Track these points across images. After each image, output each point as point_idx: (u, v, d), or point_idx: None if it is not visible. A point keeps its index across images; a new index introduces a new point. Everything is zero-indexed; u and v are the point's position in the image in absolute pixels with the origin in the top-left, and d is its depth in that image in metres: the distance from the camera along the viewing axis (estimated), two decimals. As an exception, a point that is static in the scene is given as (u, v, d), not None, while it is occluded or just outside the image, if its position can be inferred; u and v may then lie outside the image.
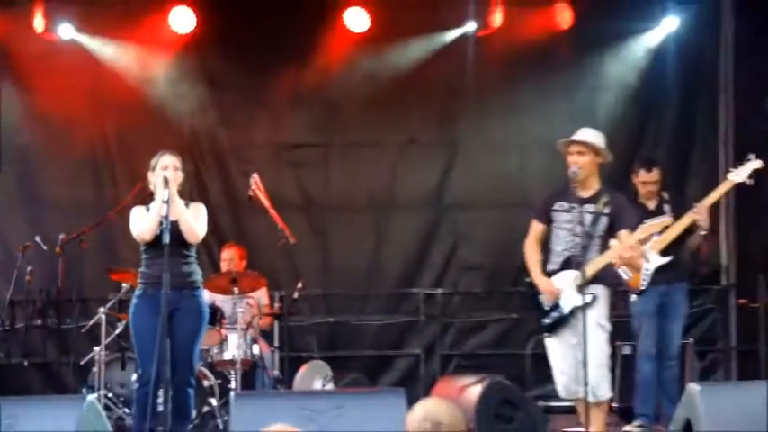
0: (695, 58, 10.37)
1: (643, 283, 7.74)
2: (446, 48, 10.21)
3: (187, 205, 6.78)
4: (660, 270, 7.70)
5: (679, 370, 8.01)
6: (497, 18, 9.89)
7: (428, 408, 3.84)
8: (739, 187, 7.85)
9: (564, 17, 9.92)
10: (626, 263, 6.81)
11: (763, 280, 9.53)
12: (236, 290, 8.44)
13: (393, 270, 10.42)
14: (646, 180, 7.82)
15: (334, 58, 10.15)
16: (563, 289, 6.75)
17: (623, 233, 6.65)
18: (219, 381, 8.36)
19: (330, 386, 8.72)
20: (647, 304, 7.80)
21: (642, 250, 6.90)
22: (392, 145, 10.42)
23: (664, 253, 7.64)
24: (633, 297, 7.87)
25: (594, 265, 6.62)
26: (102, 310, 8.74)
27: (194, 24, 9.90)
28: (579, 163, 6.69)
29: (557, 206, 6.85)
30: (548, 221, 6.89)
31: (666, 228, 7.21)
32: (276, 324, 9.14)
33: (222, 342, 8.35)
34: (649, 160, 8.04)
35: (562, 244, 6.81)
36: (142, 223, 6.66)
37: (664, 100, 10.39)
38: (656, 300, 7.79)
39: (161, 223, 6.48)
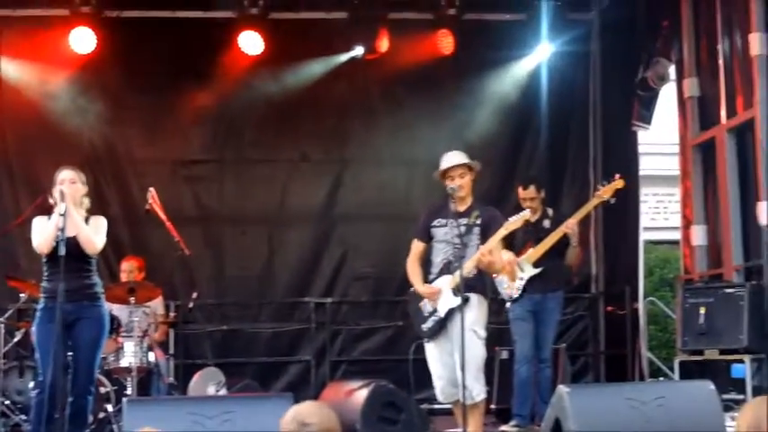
0: (567, 82, 10.57)
1: (517, 291, 7.85)
2: (336, 70, 10.27)
3: (88, 219, 6.71)
4: (534, 279, 7.81)
5: (552, 373, 8.09)
6: (384, 43, 9.90)
7: (298, 409, 3.79)
8: (607, 204, 8.05)
9: (446, 43, 9.97)
10: (486, 268, 6.76)
11: (629, 289, 10.13)
12: (132, 299, 8.31)
13: (285, 280, 10.40)
14: (523, 197, 7.91)
15: (231, 78, 10.11)
16: (441, 292, 6.78)
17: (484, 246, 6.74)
18: (116, 387, 8.21)
19: (223, 392, 8.65)
20: (521, 311, 7.89)
21: (500, 256, 6.95)
22: (285, 161, 10.42)
23: (536, 264, 7.78)
24: (508, 304, 7.96)
25: (466, 268, 6.65)
26: (0, 319, 8.55)
27: (94, 44, 9.74)
28: (461, 184, 6.79)
29: (435, 222, 6.91)
30: (428, 239, 6.96)
31: (527, 222, 7.10)
32: (171, 332, 9.09)
33: (118, 350, 8.21)
34: (528, 178, 8.20)
35: (441, 255, 6.87)
36: (40, 235, 6.57)
37: (538, 121, 10.54)
38: (531, 307, 7.87)
39: (57, 236, 6.40)
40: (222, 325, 10.15)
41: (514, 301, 7.89)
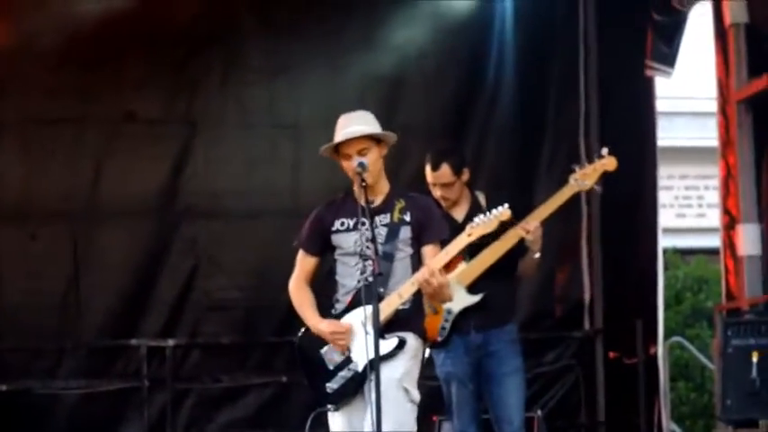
0: (542, 12, 9.98)
1: (443, 332, 7.17)
2: None
3: None
4: (468, 313, 7.15)
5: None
6: None
7: None
8: (607, 200, 8.35)
9: None
10: (433, 296, 6.15)
11: (642, 324, 9.49)
12: None
13: (99, 311, 9.51)
14: (433, 181, 7.28)
15: None
16: (355, 334, 6.12)
17: (429, 250, 6.11)
18: None
19: None
20: (455, 363, 7.23)
21: (447, 280, 6.27)
22: (98, 122, 9.54)
23: (473, 287, 7.08)
24: (428, 351, 6.88)
25: (399, 295, 6.00)
26: None
27: None
28: (371, 161, 6.13)
29: (336, 226, 6.27)
30: (321, 251, 6.33)
31: (504, 224, 6.47)
32: None
33: None
34: (437, 153, 7.45)
35: (355, 275, 6.20)
36: None
37: (496, 66, 9.96)
38: (468, 356, 7.22)
39: None
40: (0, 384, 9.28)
41: (439, 345, 7.20)
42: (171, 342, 9.50)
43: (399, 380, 5.97)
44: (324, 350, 6.19)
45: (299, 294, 6.36)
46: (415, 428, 6.04)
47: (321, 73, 9.72)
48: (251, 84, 9.71)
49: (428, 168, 7.29)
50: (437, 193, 7.23)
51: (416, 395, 6.05)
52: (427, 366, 6.46)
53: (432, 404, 7.43)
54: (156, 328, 9.51)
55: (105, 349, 9.53)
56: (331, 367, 6.17)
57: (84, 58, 9.37)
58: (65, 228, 9.48)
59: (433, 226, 6.24)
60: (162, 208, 9.66)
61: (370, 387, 5.87)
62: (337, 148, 6.20)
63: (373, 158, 6.12)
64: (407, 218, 6.17)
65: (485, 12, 9.95)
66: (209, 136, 9.69)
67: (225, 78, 9.69)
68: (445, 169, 7.19)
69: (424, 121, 9.67)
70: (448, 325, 7.17)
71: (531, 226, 7.05)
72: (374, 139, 6.16)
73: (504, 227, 6.85)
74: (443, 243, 6.27)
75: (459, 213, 7.25)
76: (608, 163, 7.18)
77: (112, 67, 9.47)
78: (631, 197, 9.05)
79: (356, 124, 6.20)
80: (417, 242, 6.18)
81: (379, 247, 6.04)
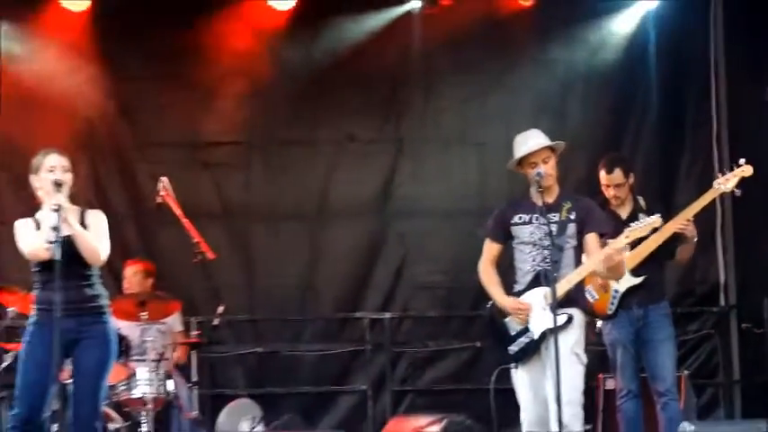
0: (679, 41, 10.58)
1: (611, 306, 7.88)
2: (388, 28, 10.40)
3: (84, 213, 6.77)
4: (632, 291, 7.83)
5: (678, 407, 8.02)
6: None
7: None
8: (738, 199, 8.11)
9: None
10: (611, 269, 6.82)
11: None
12: (144, 315, 8.41)
13: (331, 290, 10.55)
14: (606, 183, 7.97)
15: (256, 40, 10.31)
16: (532, 309, 6.83)
17: (591, 238, 6.81)
18: (128, 423, 8.33)
19: (259, 429, 8.79)
20: (620, 332, 7.91)
21: (623, 258, 7.00)
22: (326, 142, 10.56)
23: (636, 271, 7.77)
24: (599, 324, 8.02)
25: (568, 281, 6.75)
26: None
27: (87, 4, 9.98)
28: (548, 170, 6.83)
29: (515, 219, 6.97)
30: (504, 239, 7.05)
31: (656, 230, 7.27)
32: (194, 356, 9.11)
33: (130, 377, 8.33)
34: (612, 159, 8.14)
35: (528, 261, 6.91)
36: (30, 238, 6.61)
37: (644, 92, 10.59)
38: (631, 326, 7.90)
39: (51, 236, 6.39)
40: (256, 347, 10.30)
41: (607, 318, 7.93)
42: (388, 315, 10.36)
43: (571, 347, 6.63)
44: (507, 320, 6.88)
45: (487, 274, 7.05)
46: (583, 384, 6.73)
47: (501, 98, 10.36)
48: (445, 110, 10.50)
49: (603, 172, 7.94)
50: (610, 192, 7.91)
51: (584, 358, 6.74)
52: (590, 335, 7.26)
53: (598, 365, 8.39)
54: (376, 303, 10.44)
55: (337, 320, 10.47)
56: (512, 333, 6.87)
57: (314, 92, 10.33)
58: (302, 225, 10.43)
59: (594, 221, 6.85)
60: (377, 209, 10.52)
61: (548, 351, 6.55)
62: (521, 159, 6.87)
63: (551, 165, 6.83)
64: (573, 216, 6.80)
65: (634, 48, 10.46)
66: (413, 152, 10.52)
67: (425, 106, 10.47)
68: (618, 172, 7.89)
69: (587, 136, 10.13)
70: (616, 302, 7.80)
71: (682, 220, 7.65)
72: (551, 148, 6.86)
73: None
74: (603, 236, 6.85)
75: (623, 212, 7.88)
76: (746, 170, 7.59)
77: (337, 99, 10.36)
78: (759, 196, 8.84)
79: (534, 139, 6.86)
80: (580, 236, 6.82)
81: (553, 240, 6.66)
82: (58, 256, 6.32)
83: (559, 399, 6.32)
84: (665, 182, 10.39)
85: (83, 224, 6.71)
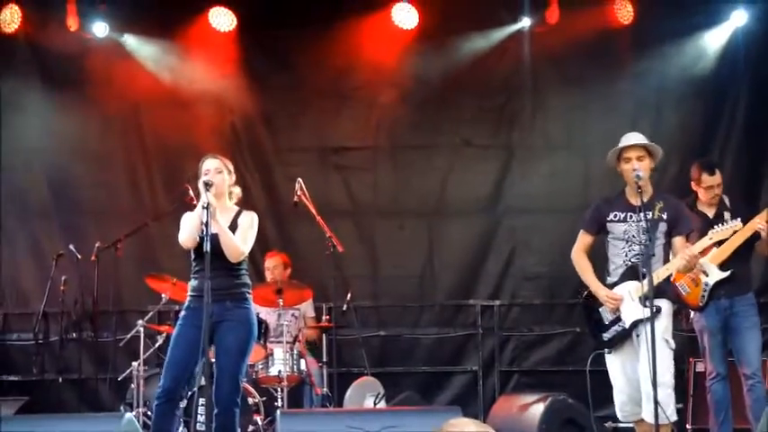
0: (767, 54, 10.33)
1: (702, 298, 7.74)
2: (500, 45, 10.37)
3: (239, 213, 6.81)
4: (720, 284, 7.67)
5: (763, 389, 7.77)
6: (554, 13, 9.97)
7: (452, 422, 4.01)
8: None
9: (624, 12, 10.02)
10: (689, 268, 6.74)
11: None
12: (281, 301, 8.56)
13: (447, 280, 10.50)
14: (711, 184, 7.79)
15: (382, 56, 10.29)
16: (624, 300, 6.75)
17: (678, 240, 6.72)
18: (265, 398, 8.36)
19: (382, 404, 8.70)
20: (708, 321, 7.77)
21: (699, 262, 6.94)
22: (444, 147, 10.54)
23: (723, 266, 7.62)
24: (692, 314, 7.90)
25: (657, 275, 6.61)
26: (140, 322, 8.87)
27: (234, 23, 10.08)
28: (642, 169, 6.73)
29: (611, 216, 6.90)
30: (597, 232, 7.01)
31: (735, 233, 7.12)
32: (324, 338, 9.29)
33: (267, 357, 8.45)
34: (711, 163, 8.03)
35: (621, 255, 6.84)
36: (183, 229, 6.64)
37: (733, 101, 10.41)
38: (719, 315, 7.73)
39: (202, 231, 6.46)
40: (379, 330, 10.36)
41: (698, 309, 7.79)
42: (497, 302, 10.35)
43: (661, 333, 6.51)
44: (601, 309, 6.86)
45: (580, 261, 7.05)
46: (673, 367, 6.63)
47: (602, 108, 10.23)
48: (552, 119, 10.44)
49: (705, 175, 7.75)
50: (714, 192, 7.74)
51: (673, 344, 6.65)
52: (682, 323, 7.35)
53: (689, 350, 8.52)
54: (486, 292, 10.39)
55: (451, 307, 10.41)
56: (606, 322, 6.84)
57: (434, 102, 10.35)
58: (422, 221, 10.43)
59: (682, 224, 6.77)
60: (489, 208, 10.45)
61: (639, 338, 6.50)
62: (620, 154, 6.80)
63: (646, 166, 6.73)
64: (664, 215, 6.73)
65: (725, 61, 10.28)
66: (522, 156, 10.45)
67: (534, 115, 10.41)
68: (718, 174, 7.75)
69: (680, 141, 9.97)
70: (706, 294, 7.65)
71: (762, 221, 7.44)
72: (647, 150, 6.76)
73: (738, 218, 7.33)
74: (689, 235, 6.82)
75: (710, 211, 7.73)
76: None
77: (455, 108, 10.38)
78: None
79: (634, 138, 6.83)
80: (669, 235, 6.75)
81: (645, 237, 6.59)
82: (207, 248, 6.33)
83: (655, 383, 6.22)
84: (749, 183, 10.13)
85: (235, 223, 6.77)
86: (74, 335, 10.00)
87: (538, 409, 7.85)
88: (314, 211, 8.72)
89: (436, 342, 10.38)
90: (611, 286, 6.83)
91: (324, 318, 9.59)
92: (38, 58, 10.26)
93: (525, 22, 10.24)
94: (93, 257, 9.41)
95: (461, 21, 10.25)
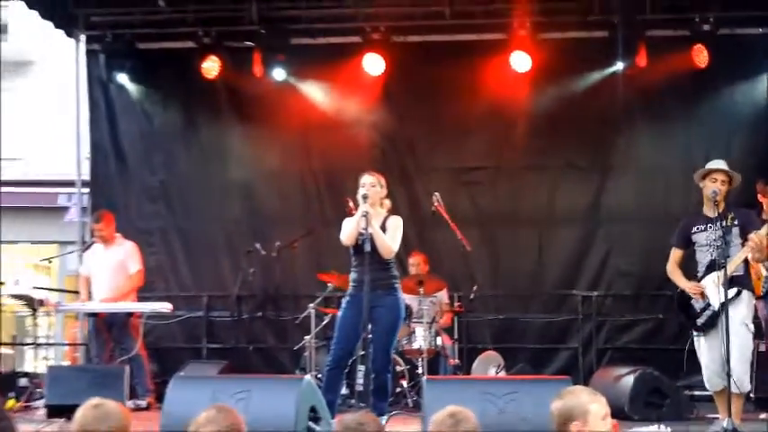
0: None
1: (764, 288, 7.77)
2: (598, 84, 10.30)
3: (387, 218, 7.05)
4: None
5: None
6: (643, 59, 9.89)
7: (569, 389, 4.23)
8: None
9: (701, 57, 9.88)
10: (759, 251, 6.61)
11: None
12: (421, 290, 8.65)
13: (554, 274, 10.48)
14: None
15: (503, 93, 10.23)
16: (708, 288, 6.79)
17: (753, 234, 6.63)
18: (408, 366, 8.64)
19: (502, 374, 8.80)
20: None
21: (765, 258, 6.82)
22: (552, 168, 10.52)
23: None
24: (754, 301, 7.64)
25: (733, 262, 6.63)
26: (311, 305, 9.16)
27: (383, 68, 10.20)
28: (721, 189, 6.82)
29: (694, 229, 6.95)
30: (686, 246, 7.03)
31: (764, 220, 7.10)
32: (455, 320, 9.31)
33: (411, 334, 8.58)
34: None
35: (706, 256, 6.91)
36: (344, 231, 6.97)
37: None
38: None
39: (361, 234, 6.77)
40: (499, 314, 10.30)
41: (761, 298, 7.78)
42: (595, 293, 10.27)
43: (742, 318, 6.64)
44: (692, 301, 6.93)
45: (674, 272, 7.12)
46: (752, 346, 6.84)
47: (682, 137, 10.24)
48: (639, 145, 10.41)
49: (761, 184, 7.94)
50: None
51: (752, 327, 6.75)
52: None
53: (754, 333, 7.99)
54: (586, 284, 10.33)
55: (558, 296, 10.41)
56: (698, 309, 6.90)
57: (544, 130, 10.32)
58: (533, 228, 10.47)
59: (752, 225, 6.78)
60: (589, 217, 10.43)
61: (722, 322, 6.50)
62: (707, 174, 6.89)
63: (724, 189, 6.86)
64: (736, 222, 6.82)
65: None
66: (616, 176, 10.38)
67: (626, 142, 10.38)
68: None
69: (744, 164, 8.62)
70: (767, 285, 7.82)
71: None
72: (727, 175, 6.89)
73: None
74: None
75: None
76: None
77: (561, 136, 10.34)
78: None
79: (722, 164, 6.94)
80: (742, 236, 6.75)
81: (722, 238, 6.71)
82: (367, 248, 6.67)
83: (729, 359, 6.32)
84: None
85: (384, 225, 7.02)
86: (260, 313, 10.37)
87: (629, 380, 7.90)
88: (447, 218, 8.70)
89: (545, 324, 10.35)
90: (699, 280, 6.91)
91: (456, 304, 9.64)
92: (234, 98, 10.59)
93: (619, 66, 10.13)
94: (274, 253, 9.78)
95: (566, 65, 10.18)
